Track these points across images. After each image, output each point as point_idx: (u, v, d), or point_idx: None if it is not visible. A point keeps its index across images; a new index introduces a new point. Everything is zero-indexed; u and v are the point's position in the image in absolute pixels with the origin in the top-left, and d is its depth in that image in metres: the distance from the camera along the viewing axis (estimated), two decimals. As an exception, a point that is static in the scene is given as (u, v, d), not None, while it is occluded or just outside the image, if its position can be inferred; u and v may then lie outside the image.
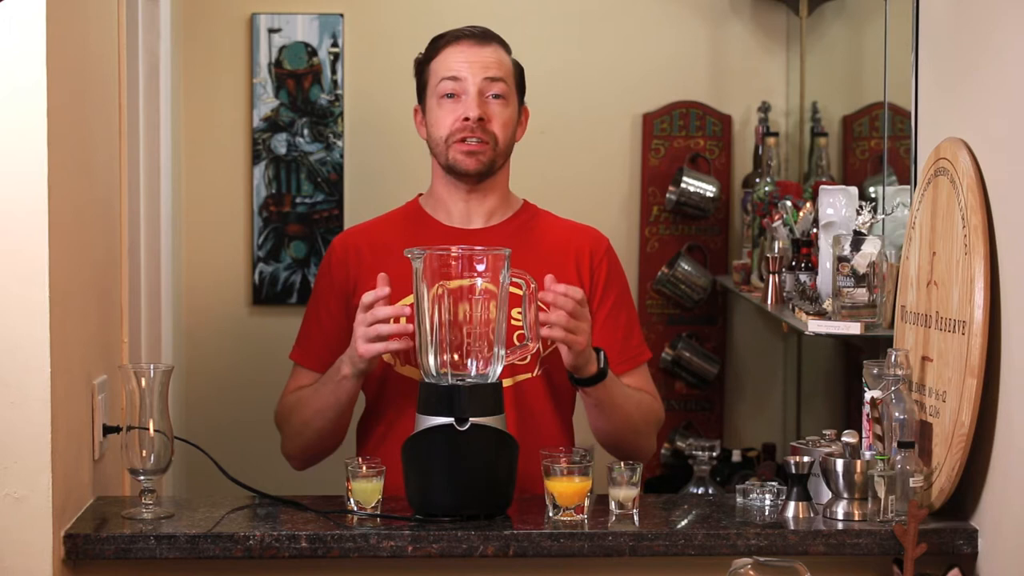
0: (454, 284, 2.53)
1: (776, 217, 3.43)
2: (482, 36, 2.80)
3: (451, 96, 2.77)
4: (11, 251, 2.29)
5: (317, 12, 4.48)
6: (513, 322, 2.70)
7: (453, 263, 2.54)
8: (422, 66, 2.84)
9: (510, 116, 2.80)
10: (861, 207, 2.89)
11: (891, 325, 2.80)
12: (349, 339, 2.80)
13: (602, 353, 2.72)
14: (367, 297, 2.62)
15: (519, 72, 2.85)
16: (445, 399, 2.48)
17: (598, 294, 2.83)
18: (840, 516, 2.48)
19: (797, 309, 3.16)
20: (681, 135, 4.60)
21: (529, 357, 2.73)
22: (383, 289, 2.62)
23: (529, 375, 2.77)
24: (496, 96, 2.78)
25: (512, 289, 2.64)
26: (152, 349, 3.67)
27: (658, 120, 4.60)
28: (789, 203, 3.44)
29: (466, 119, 2.75)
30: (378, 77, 4.48)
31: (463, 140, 2.76)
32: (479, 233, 2.81)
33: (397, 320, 2.63)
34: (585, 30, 4.59)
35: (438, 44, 2.82)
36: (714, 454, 4.26)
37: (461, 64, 2.77)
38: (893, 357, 2.49)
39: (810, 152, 4.40)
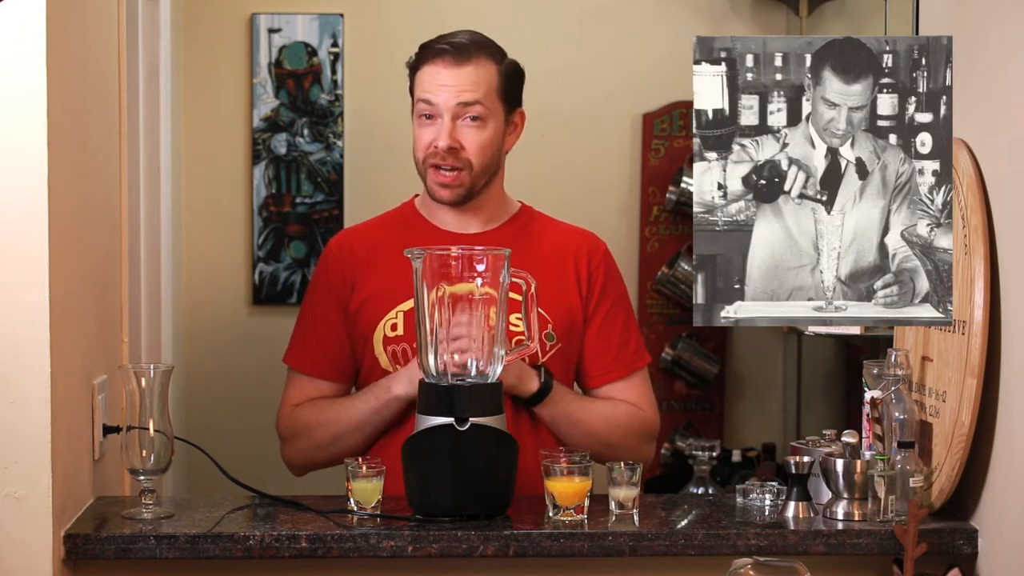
0: (454, 284, 2.53)
1: (776, 217, 3.42)
2: (460, 52, 2.73)
3: (429, 117, 2.74)
4: (11, 251, 2.29)
5: (317, 12, 4.48)
6: (511, 327, 2.70)
7: (453, 263, 2.54)
8: (411, 73, 2.80)
9: (487, 138, 2.74)
10: (861, 207, 2.89)
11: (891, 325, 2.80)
12: (347, 343, 2.80)
13: (543, 369, 2.72)
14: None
15: (508, 80, 2.78)
16: (445, 399, 2.48)
17: (594, 299, 2.82)
18: (840, 516, 2.48)
19: (797, 309, 3.16)
20: (681, 135, 4.61)
21: (528, 360, 2.73)
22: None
23: None
24: (473, 119, 2.73)
25: (511, 294, 2.63)
26: (152, 349, 3.67)
27: (658, 120, 4.60)
28: (789, 203, 3.44)
29: (436, 147, 2.72)
30: (378, 77, 4.48)
31: (436, 167, 2.74)
32: (474, 238, 2.79)
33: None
34: (585, 30, 4.59)
35: (422, 56, 2.76)
36: (714, 454, 4.26)
37: (436, 87, 2.72)
38: (893, 357, 2.49)
39: (810, 152, 4.40)
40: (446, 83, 2.72)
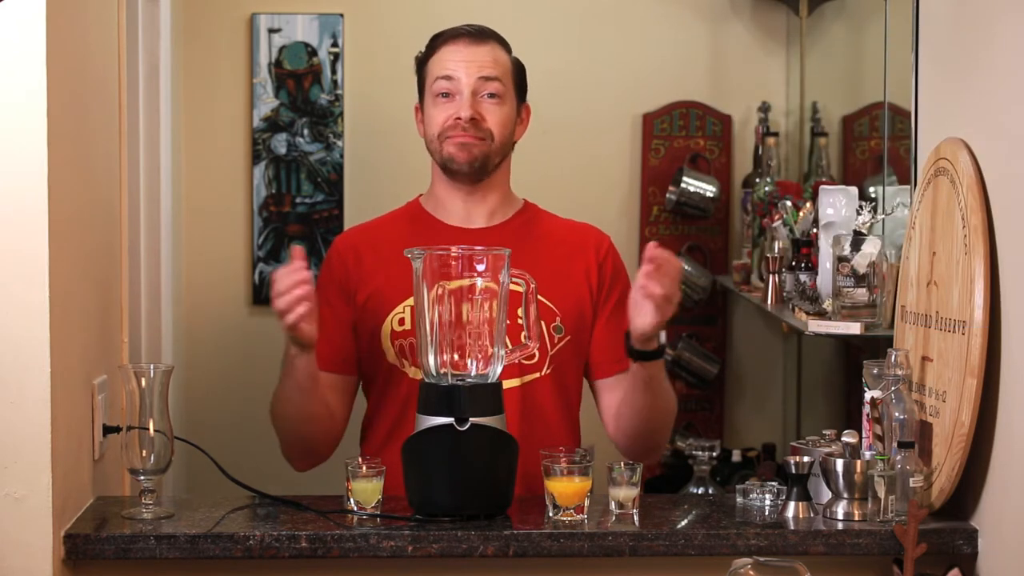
0: (454, 284, 2.53)
1: (776, 217, 3.43)
2: (478, 34, 2.80)
3: (446, 95, 2.77)
4: (11, 251, 2.29)
5: (317, 12, 4.48)
6: (519, 321, 2.70)
7: (453, 263, 2.54)
8: (421, 64, 2.84)
9: (506, 115, 2.79)
10: (861, 207, 2.89)
11: (891, 325, 2.80)
12: (352, 341, 2.81)
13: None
14: (275, 274, 2.56)
15: (518, 71, 2.84)
16: (445, 399, 2.48)
17: (604, 293, 2.83)
18: (840, 516, 2.48)
19: (797, 309, 3.16)
20: (681, 135, 4.60)
21: (537, 355, 2.73)
22: (284, 266, 2.56)
23: (538, 374, 2.77)
24: (491, 95, 2.77)
25: (513, 286, 2.63)
26: (152, 349, 3.67)
27: (658, 120, 4.59)
28: (789, 203, 3.44)
29: (458, 118, 2.75)
30: (378, 77, 4.48)
31: (455, 134, 2.76)
32: (480, 232, 2.81)
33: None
34: (585, 30, 4.59)
35: (436, 43, 2.82)
36: (714, 454, 4.25)
37: (456, 63, 2.77)
38: (893, 357, 2.49)
39: (810, 152, 4.40)
40: (467, 58, 2.77)
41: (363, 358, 2.81)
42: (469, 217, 2.83)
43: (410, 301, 2.73)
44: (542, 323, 2.74)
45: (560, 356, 2.78)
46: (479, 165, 2.77)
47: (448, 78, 2.77)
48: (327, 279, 2.85)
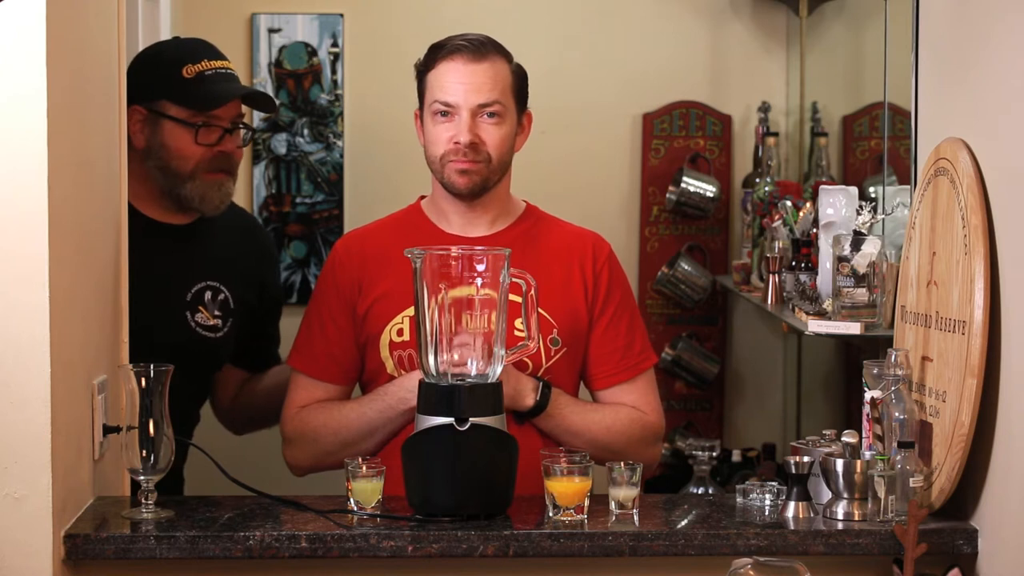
0: (454, 285, 2.53)
1: (776, 217, 3.43)
2: (478, 50, 2.75)
3: (445, 114, 2.75)
4: (11, 251, 2.29)
5: (317, 12, 4.48)
6: (518, 332, 2.70)
7: (453, 263, 2.54)
8: (421, 75, 2.81)
9: (505, 134, 2.77)
10: (861, 207, 2.89)
11: (891, 325, 2.80)
12: (354, 346, 2.80)
13: (541, 383, 2.72)
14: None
15: (519, 81, 2.81)
16: (445, 399, 2.48)
17: (599, 303, 2.83)
18: (840, 516, 2.48)
19: (797, 309, 3.16)
20: (681, 135, 4.60)
21: (531, 365, 2.73)
22: None
23: None
24: (491, 115, 2.75)
25: (513, 297, 2.63)
26: (152, 349, 3.65)
27: (658, 120, 4.59)
28: (789, 203, 3.44)
29: (457, 143, 2.73)
30: (378, 77, 4.48)
31: (455, 160, 2.75)
32: (481, 241, 2.80)
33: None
34: (585, 30, 4.59)
35: (435, 55, 2.78)
36: (714, 454, 4.25)
37: (454, 85, 2.73)
38: (893, 357, 2.49)
39: (810, 152, 4.40)
40: (464, 80, 2.73)
41: (363, 367, 2.81)
42: (471, 226, 2.83)
43: (408, 312, 2.73)
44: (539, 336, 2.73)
45: (555, 368, 2.78)
46: (479, 189, 2.77)
47: (446, 102, 2.74)
48: (330, 287, 2.84)
